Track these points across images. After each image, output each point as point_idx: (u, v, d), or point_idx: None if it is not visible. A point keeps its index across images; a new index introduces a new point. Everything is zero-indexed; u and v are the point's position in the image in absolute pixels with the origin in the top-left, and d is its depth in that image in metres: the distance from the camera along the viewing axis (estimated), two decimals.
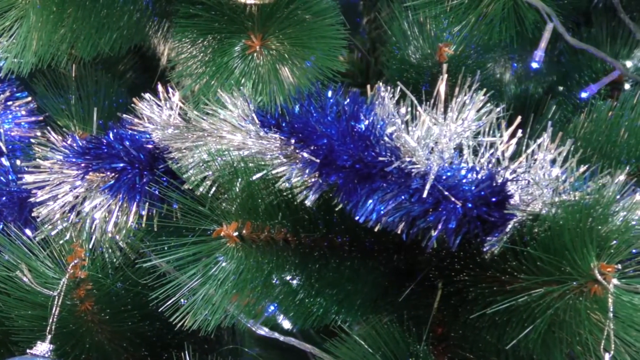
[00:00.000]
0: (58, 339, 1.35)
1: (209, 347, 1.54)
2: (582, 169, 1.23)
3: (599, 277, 1.11)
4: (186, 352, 1.38)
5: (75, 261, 1.36)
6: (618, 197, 1.17)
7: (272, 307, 1.41)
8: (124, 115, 1.40)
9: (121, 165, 1.34)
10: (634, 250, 1.14)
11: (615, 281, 1.11)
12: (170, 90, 1.37)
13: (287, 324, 1.68)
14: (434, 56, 1.51)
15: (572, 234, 1.13)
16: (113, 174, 1.35)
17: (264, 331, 1.43)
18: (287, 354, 1.85)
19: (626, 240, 1.13)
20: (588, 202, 1.14)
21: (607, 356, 1.14)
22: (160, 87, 1.36)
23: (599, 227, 1.13)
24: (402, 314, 1.35)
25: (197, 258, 1.23)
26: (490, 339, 1.27)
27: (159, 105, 1.37)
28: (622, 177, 1.19)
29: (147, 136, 1.36)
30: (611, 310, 1.12)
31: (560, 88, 1.78)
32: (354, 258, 1.33)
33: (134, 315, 1.43)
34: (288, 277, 1.31)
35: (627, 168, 1.27)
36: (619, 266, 1.12)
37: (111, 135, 1.36)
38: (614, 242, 1.13)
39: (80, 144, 1.37)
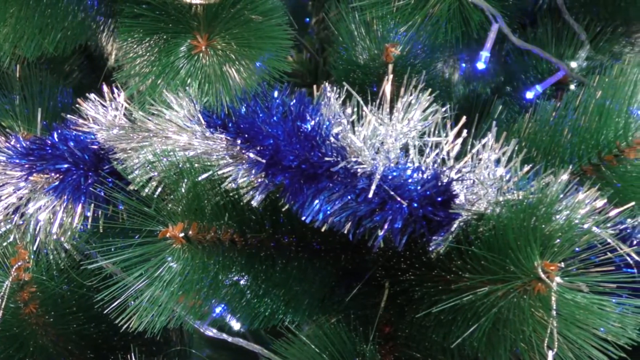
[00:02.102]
0: (1, 343, 1.34)
1: (157, 348, 1.53)
2: (526, 168, 1.24)
3: (543, 276, 1.12)
4: (132, 354, 1.37)
5: (19, 263, 1.34)
6: (561, 196, 1.18)
7: (220, 308, 1.41)
8: (69, 116, 1.38)
9: (66, 166, 1.33)
10: (576, 249, 1.15)
11: (558, 279, 1.12)
12: (115, 90, 1.36)
13: (237, 325, 1.68)
14: (381, 57, 1.52)
15: (516, 233, 1.14)
16: (57, 175, 1.33)
17: (212, 332, 1.42)
18: (238, 355, 1.85)
19: (569, 238, 1.14)
20: (532, 202, 1.15)
21: (550, 353, 1.15)
22: (105, 88, 1.35)
23: (543, 226, 1.14)
24: (350, 313, 1.36)
25: (143, 259, 1.22)
26: (436, 338, 1.28)
27: (104, 106, 1.36)
28: (565, 177, 1.20)
29: (92, 137, 1.35)
30: (554, 308, 1.13)
31: (507, 88, 1.80)
32: (301, 258, 1.33)
33: (79, 317, 1.42)
34: (235, 278, 1.31)
35: (570, 167, 1.28)
36: (562, 264, 1.13)
37: (55, 136, 1.35)
38: (557, 240, 1.14)
39: (24, 144, 1.35)
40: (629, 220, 1.27)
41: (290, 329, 1.33)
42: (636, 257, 1.20)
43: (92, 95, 1.36)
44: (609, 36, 1.74)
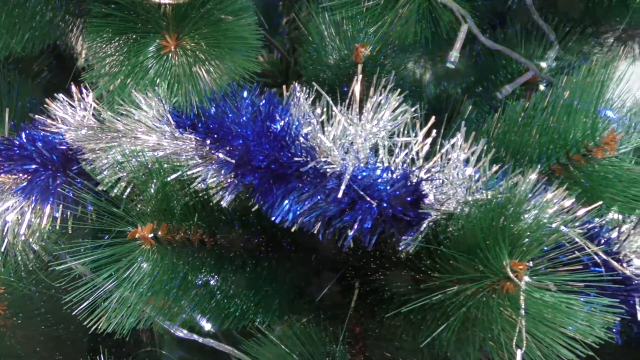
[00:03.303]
0: None
1: (127, 350, 1.52)
2: (495, 168, 1.25)
3: (511, 275, 1.13)
4: (102, 356, 1.36)
5: None
6: (530, 195, 1.18)
7: (189, 309, 1.40)
8: (37, 116, 1.37)
9: (34, 166, 1.32)
10: (545, 248, 1.16)
11: (526, 279, 1.13)
12: (84, 90, 1.35)
13: (208, 326, 1.67)
14: (351, 57, 1.52)
15: (484, 233, 1.14)
16: (25, 176, 1.32)
17: (182, 333, 1.42)
18: (210, 356, 1.84)
19: (537, 238, 1.14)
20: (500, 201, 1.16)
21: (518, 352, 1.15)
22: (74, 88, 1.35)
23: (511, 226, 1.15)
24: (320, 313, 1.36)
25: (112, 260, 1.22)
26: (406, 338, 1.29)
27: (72, 106, 1.35)
28: (533, 176, 1.20)
29: (61, 137, 1.34)
30: (523, 307, 1.13)
31: (477, 88, 1.80)
32: (271, 259, 1.33)
33: (47, 319, 1.41)
34: (205, 279, 1.30)
35: (539, 167, 1.28)
36: (531, 264, 1.14)
37: (23, 136, 1.34)
38: (526, 240, 1.14)
39: None
40: (596, 219, 1.28)
41: (261, 329, 1.33)
42: (604, 256, 1.21)
43: (61, 96, 1.35)
44: (578, 36, 1.75)
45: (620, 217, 1.36)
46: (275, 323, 1.43)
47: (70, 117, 1.35)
